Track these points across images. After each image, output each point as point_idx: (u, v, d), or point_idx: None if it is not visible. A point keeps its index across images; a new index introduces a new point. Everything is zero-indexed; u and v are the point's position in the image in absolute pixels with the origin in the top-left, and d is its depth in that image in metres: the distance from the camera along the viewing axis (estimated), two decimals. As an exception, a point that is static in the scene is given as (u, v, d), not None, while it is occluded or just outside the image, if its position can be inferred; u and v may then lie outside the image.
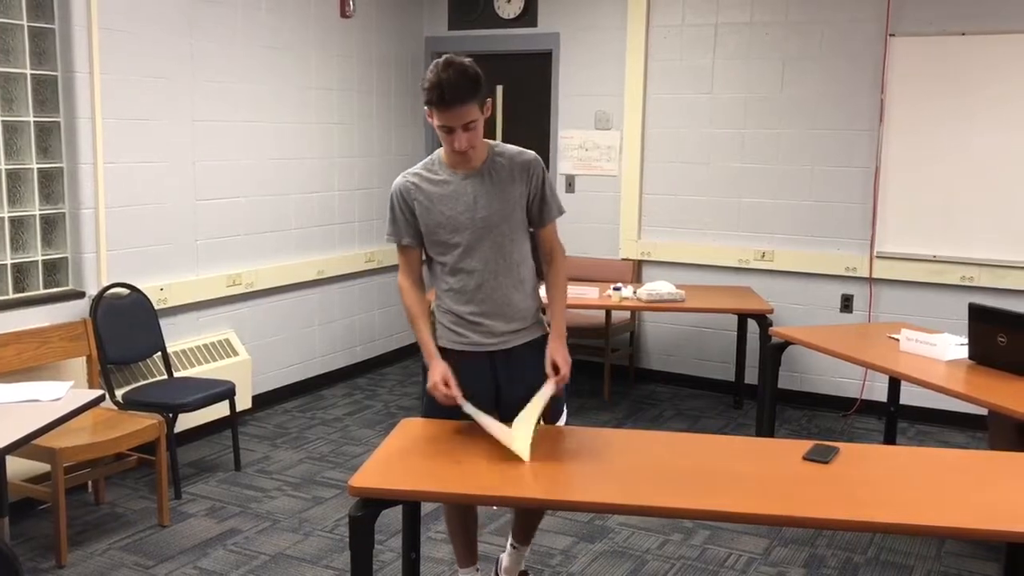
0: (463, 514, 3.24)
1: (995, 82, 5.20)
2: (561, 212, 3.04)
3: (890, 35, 5.42)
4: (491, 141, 2.97)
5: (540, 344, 3.01)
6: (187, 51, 4.88)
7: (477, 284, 2.93)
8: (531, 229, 3.05)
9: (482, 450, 2.72)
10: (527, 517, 3.32)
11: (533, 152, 3.02)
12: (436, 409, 2.94)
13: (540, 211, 2.99)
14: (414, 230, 2.96)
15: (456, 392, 2.84)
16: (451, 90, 2.69)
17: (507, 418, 2.88)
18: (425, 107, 2.78)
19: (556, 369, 2.92)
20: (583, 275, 6.32)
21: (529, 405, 2.83)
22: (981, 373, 3.77)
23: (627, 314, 6.19)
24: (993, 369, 3.78)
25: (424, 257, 3.06)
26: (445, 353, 3.00)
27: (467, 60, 2.76)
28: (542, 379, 2.93)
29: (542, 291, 3.10)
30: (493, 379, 3.02)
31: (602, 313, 5.90)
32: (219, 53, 5.08)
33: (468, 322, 2.97)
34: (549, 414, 3.00)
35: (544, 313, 3.10)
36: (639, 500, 2.49)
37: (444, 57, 2.76)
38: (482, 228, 2.89)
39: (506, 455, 2.66)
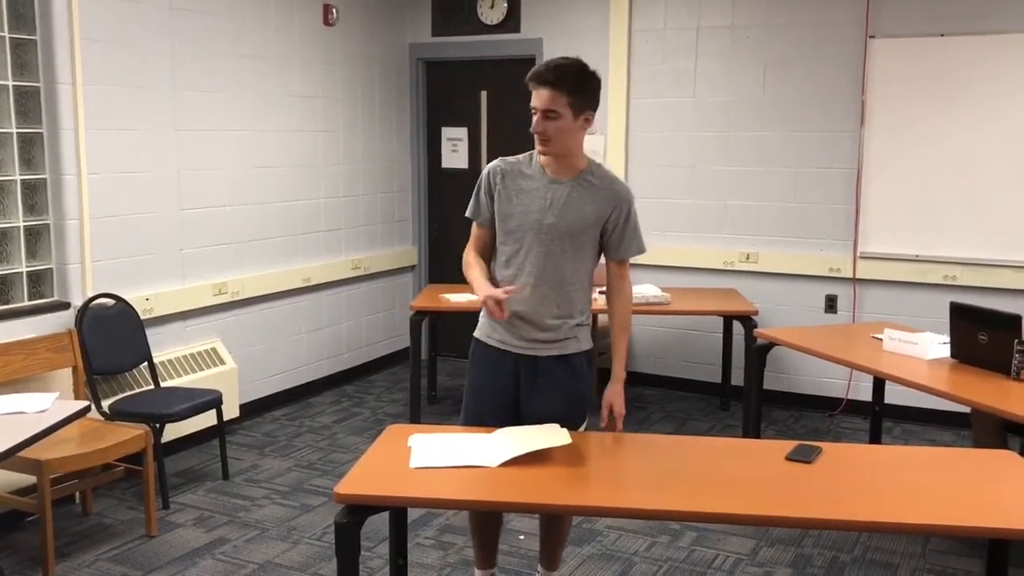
0: (480, 516, 3.27)
1: (974, 82, 5.25)
2: (640, 252, 3.06)
3: (870, 37, 5.46)
4: (594, 160, 3.05)
5: (571, 361, 3.03)
6: (170, 61, 4.88)
7: (523, 284, 2.96)
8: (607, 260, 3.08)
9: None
10: (549, 540, 3.36)
11: (628, 186, 3.08)
12: (475, 415, 3.07)
13: (618, 245, 3.03)
14: (490, 212, 3.03)
15: (504, 308, 2.83)
16: (543, 68, 2.86)
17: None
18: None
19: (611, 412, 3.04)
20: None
21: (536, 435, 2.83)
22: (963, 371, 3.80)
23: (614, 317, 6.20)
24: (975, 367, 3.81)
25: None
26: (475, 343, 3.11)
27: (583, 63, 2.91)
28: (565, 397, 3.00)
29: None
30: (514, 384, 3.03)
31: (589, 317, 5.91)
32: (202, 62, 5.08)
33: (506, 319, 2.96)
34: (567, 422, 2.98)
35: (584, 329, 3.10)
36: (626, 503, 2.51)
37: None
38: (545, 234, 2.94)
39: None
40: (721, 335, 5.89)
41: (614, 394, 3.05)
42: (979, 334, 3.79)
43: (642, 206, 6.12)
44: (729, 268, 6.00)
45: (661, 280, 5.94)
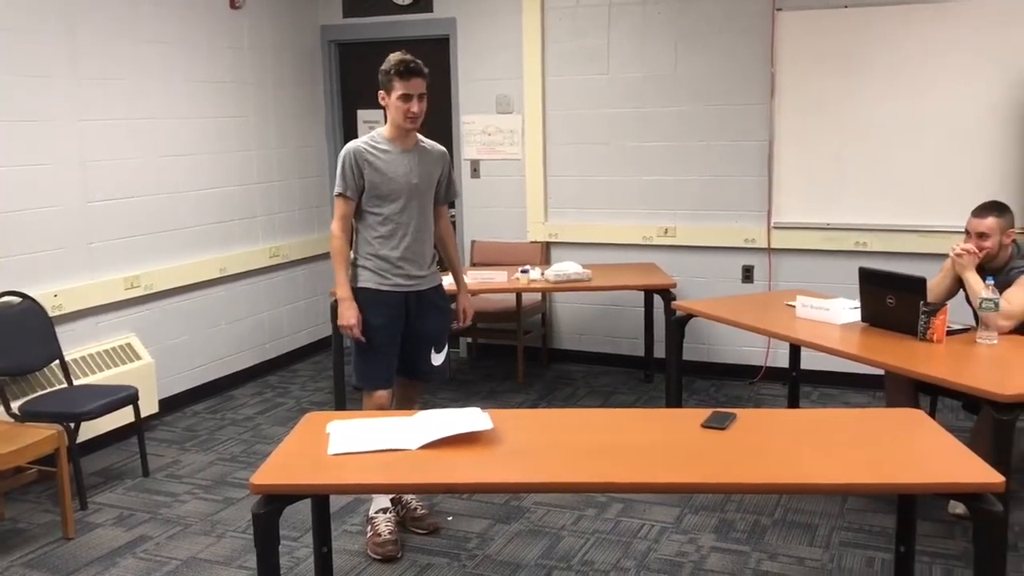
0: None
1: (879, 53, 5.37)
2: (458, 195, 3.92)
3: (777, 10, 5.54)
4: (417, 133, 3.75)
5: (440, 290, 3.86)
6: (68, 47, 4.71)
7: (403, 234, 3.68)
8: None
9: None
10: None
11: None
12: (372, 378, 3.69)
13: (446, 191, 3.89)
14: (358, 186, 3.64)
15: (359, 335, 3.65)
16: (414, 63, 3.56)
17: (413, 350, 3.76)
18: (382, 90, 3.58)
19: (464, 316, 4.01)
20: (493, 259, 6.33)
21: (456, 418, 2.85)
22: (873, 334, 3.91)
23: (538, 296, 6.23)
24: (885, 330, 3.92)
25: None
26: (368, 292, 3.68)
27: None
28: (442, 317, 3.84)
29: None
30: (405, 315, 3.74)
31: (513, 297, 5.93)
32: (103, 48, 4.91)
33: (394, 266, 3.68)
34: (435, 347, 3.83)
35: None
36: (547, 477, 2.52)
37: (398, 52, 3.61)
38: (413, 191, 3.68)
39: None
40: (643, 309, 5.96)
41: (466, 301, 4.03)
42: (887, 298, 3.89)
43: (561, 184, 6.25)
44: (648, 243, 6.06)
45: (582, 257, 5.97)
